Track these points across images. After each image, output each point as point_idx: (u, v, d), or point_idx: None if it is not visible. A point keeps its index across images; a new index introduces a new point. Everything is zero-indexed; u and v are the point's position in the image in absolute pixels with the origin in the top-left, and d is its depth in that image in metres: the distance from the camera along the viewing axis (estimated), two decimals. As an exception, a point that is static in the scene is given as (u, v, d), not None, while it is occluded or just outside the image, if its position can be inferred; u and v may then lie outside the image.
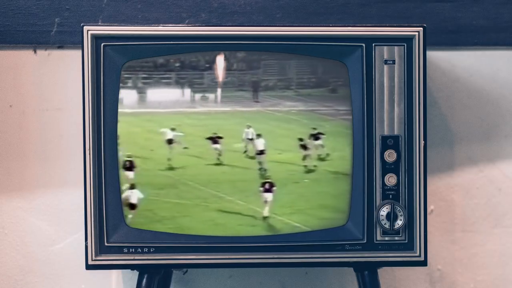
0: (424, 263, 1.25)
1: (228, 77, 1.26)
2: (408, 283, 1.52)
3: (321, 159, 1.26)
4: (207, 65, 1.26)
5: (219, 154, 1.26)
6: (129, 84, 1.25)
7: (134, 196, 1.25)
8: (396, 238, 1.25)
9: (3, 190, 1.47)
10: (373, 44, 1.24)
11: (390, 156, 1.25)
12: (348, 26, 1.24)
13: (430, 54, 1.45)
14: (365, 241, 1.25)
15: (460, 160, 1.51)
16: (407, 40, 1.24)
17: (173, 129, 1.26)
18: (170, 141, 1.26)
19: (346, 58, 1.25)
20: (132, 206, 1.25)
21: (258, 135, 1.26)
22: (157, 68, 1.26)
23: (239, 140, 1.27)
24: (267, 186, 1.26)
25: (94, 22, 1.44)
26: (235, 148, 1.27)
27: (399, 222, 1.24)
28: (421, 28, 1.24)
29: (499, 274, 1.53)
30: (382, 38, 1.24)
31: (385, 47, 1.24)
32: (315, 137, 1.26)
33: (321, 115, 1.27)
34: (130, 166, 1.25)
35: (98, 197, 1.23)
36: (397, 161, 1.25)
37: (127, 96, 1.25)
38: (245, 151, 1.26)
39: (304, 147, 1.26)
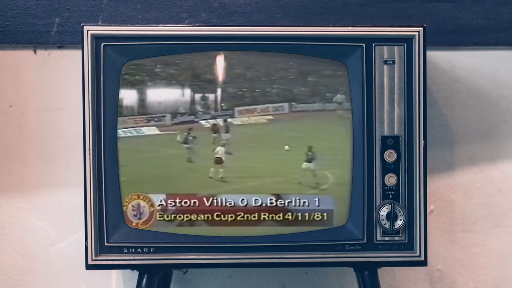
0: (424, 263, 1.25)
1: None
2: (408, 283, 1.52)
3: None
4: (208, 65, 1.26)
5: None
6: (129, 84, 1.25)
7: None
8: (396, 238, 1.25)
9: (3, 190, 1.47)
10: (373, 44, 1.24)
11: (390, 156, 1.24)
12: (348, 26, 1.24)
13: (430, 54, 1.45)
14: (365, 241, 1.25)
15: (460, 160, 1.51)
16: (407, 40, 1.24)
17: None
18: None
19: (346, 58, 1.25)
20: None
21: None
22: (156, 68, 1.26)
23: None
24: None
25: (94, 22, 1.44)
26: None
27: (399, 222, 1.24)
28: (421, 28, 1.24)
29: (499, 274, 1.53)
30: (382, 38, 1.24)
31: (385, 47, 1.24)
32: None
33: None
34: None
35: (98, 197, 1.23)
36: (397, 161, 1.25)
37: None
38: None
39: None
